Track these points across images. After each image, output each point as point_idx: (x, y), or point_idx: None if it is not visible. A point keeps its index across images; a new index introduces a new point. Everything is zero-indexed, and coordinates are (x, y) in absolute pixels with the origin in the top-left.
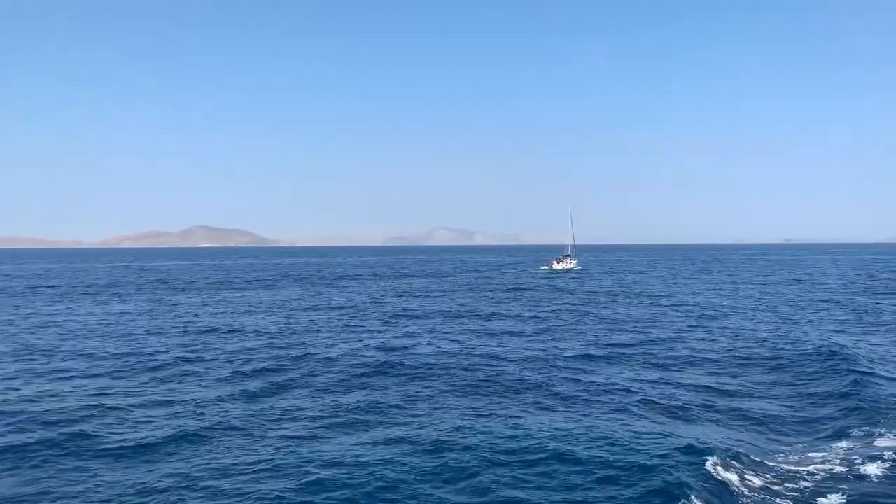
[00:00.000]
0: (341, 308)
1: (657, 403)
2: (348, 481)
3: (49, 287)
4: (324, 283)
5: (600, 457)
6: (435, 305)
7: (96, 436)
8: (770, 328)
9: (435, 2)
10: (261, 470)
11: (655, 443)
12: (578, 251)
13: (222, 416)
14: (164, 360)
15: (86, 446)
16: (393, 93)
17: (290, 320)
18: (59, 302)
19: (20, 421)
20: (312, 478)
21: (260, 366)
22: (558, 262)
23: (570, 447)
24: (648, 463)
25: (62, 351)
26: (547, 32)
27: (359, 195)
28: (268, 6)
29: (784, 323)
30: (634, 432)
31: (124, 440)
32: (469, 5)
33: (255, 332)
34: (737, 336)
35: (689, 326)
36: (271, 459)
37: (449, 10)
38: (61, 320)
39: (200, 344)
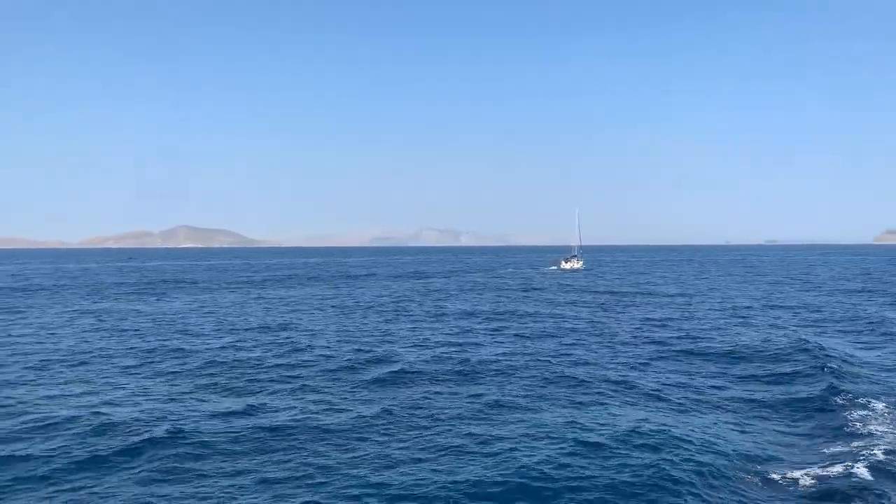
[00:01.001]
0: (379, 305)
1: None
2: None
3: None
4: (346, 281)
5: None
6: (467, 304)
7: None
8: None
9: (434, 1)
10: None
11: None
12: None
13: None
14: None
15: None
16: (387, 93)
17: (349, 319)
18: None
19: (141, 421)
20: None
21: (369, 366)
22: (566, 262)
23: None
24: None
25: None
26: (547, 32)
27: (344, 196)
28: (251, 2)
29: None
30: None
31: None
32: (469, 5)
33: (334, 331)
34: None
35: (735, 325)
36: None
37: (448, 10)
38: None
39: (287, 342)
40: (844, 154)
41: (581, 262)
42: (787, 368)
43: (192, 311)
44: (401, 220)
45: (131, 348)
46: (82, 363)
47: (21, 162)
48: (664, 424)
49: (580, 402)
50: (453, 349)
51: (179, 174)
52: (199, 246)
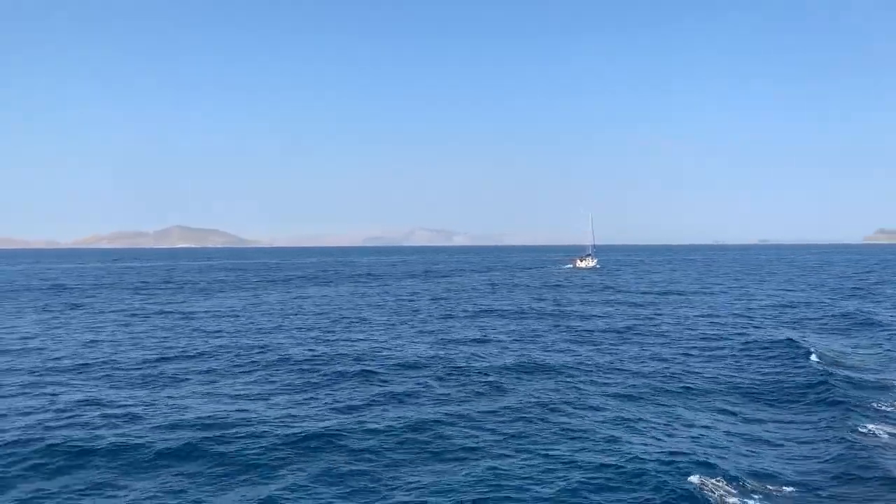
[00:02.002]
0: (410, 304)
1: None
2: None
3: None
4: (372, 281)
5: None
6: (499, 303)
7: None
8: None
9: (432, 1)
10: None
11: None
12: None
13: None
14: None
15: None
16: (382, 93)
17: (414, 318)
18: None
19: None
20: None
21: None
22: (581, 261)
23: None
24: None
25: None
26: (543, 33)
27: (336, 196)
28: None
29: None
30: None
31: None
32: (467, 5)
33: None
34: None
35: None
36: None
37: (445, 10)
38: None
39: (343, 338)
40: (836, 155)
41: (595, 261)
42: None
43: (253, 308)
44: (393, 221)
45: (230, 346)
46: (190, 358)
47: (10, 161)
48: None
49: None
50: (514, 353)
51: (173, 174)
52: (194, 246)
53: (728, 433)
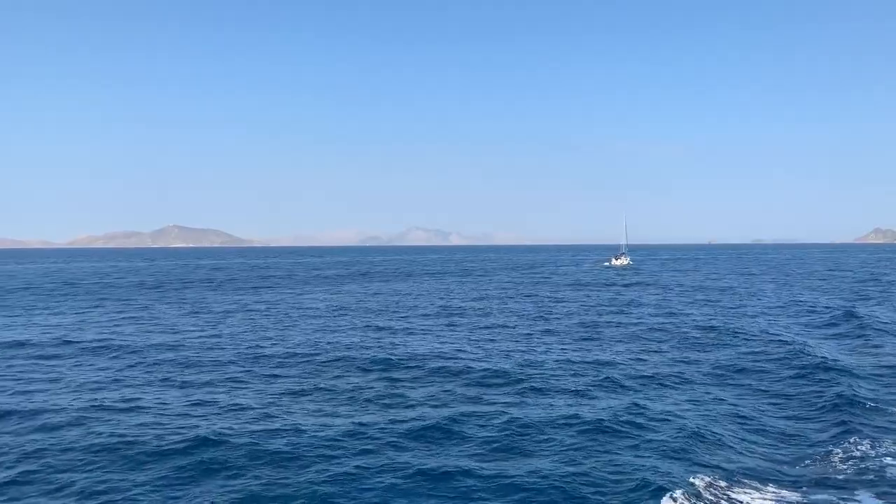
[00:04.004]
0: (469, 304)
1: None
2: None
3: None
4: (448, 277)
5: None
6: (574, 305)
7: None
8: None
9: (429, 4)
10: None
11: None
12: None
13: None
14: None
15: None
16: (379, 94)
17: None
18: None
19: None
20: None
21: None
22: (616, 259)
23: None
24: None
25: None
26: (537, 32)
27: (331, 196)
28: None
29: None
30: None
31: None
32: (465, 5)
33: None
34: None
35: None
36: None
37: (443, 11)
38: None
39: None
40: (830, 155)
41: (629, 260)
42: None
43: (323, 303)
44: (387, 221)
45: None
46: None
47: (1, 160)
48: None
49: None
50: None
51: (169, 174)
52: (191, 245)
53: None
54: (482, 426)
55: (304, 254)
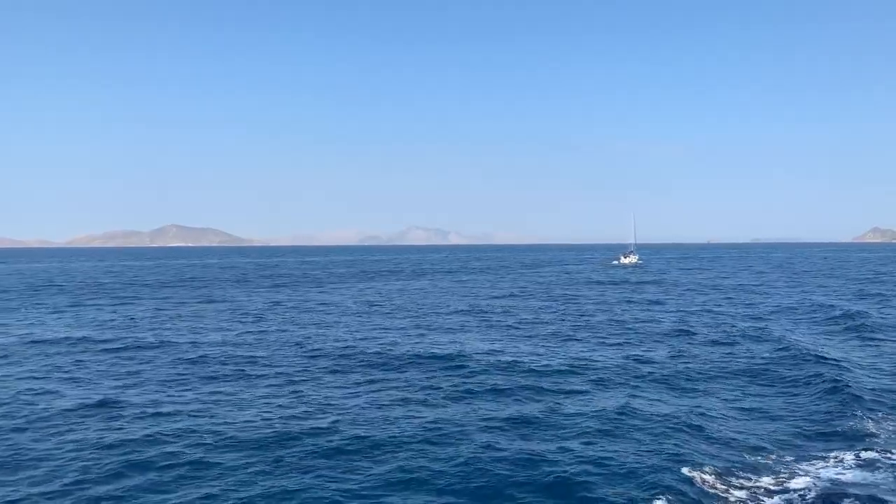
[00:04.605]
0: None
1: None
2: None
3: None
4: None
5: None
6: (605, 308)
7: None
8: None
9: (428, 4)
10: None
11: None
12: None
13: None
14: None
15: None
16: (378, 94)
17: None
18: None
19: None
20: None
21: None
22: (625, 257)
23: None
24: None
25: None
26: (535, 33)
27: (331, 196)
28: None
29: None
30: None
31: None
32: (463, 5)
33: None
34: None
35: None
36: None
37: (441, 11)
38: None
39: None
40: (828, 155)
41: (637, 258)
42: None
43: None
44: (387, 220)
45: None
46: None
47: (3, 160)
48: None
49: None
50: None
51: (167, 173)
52: (190, 245)
53: None
54: (570, 416)
55: (308, 253)
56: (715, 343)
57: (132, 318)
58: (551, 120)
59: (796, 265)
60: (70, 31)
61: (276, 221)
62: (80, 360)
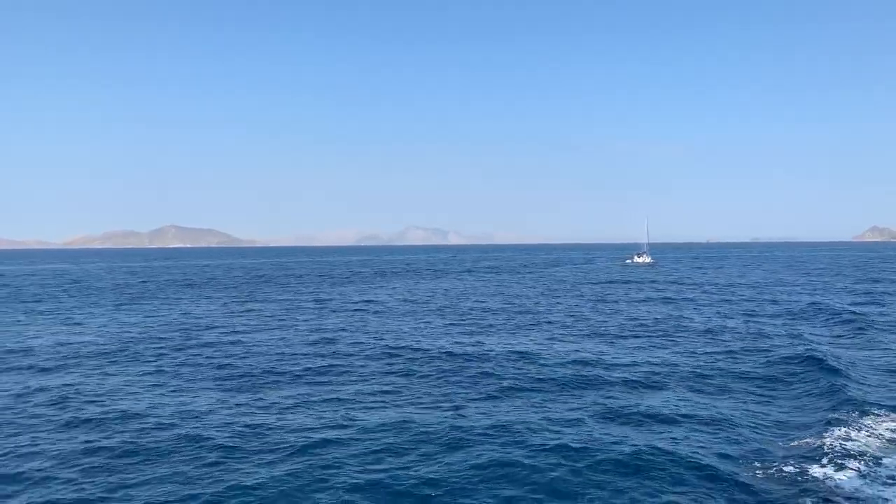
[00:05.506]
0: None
1: None
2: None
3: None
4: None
5: None
6: (640, 311)
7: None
8: None
9: (427, 5)
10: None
11: None
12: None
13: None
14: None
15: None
16: (376, 94)
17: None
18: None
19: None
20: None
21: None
22: (638, 257)
23: None
24: None
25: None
26: (535, 33)
27: (330, 196)
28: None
29: None
30: None
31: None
32: (463, 6)
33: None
34: None
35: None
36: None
37: (441, 12)
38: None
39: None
40: (828, 155)
41: (650, 258)
42: None
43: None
44: (386, 220)
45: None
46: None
47: (2, 160)
48: None
49: None
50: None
51: (166, 174)
52: (189, 246)
53: None
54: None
55: (311, 253)
56: (742, 341)
57: (198, 317)
58: (551, 120)
59: (808, 264)
60: (70, 31)
61: (275, 222)
62: (185, 361)
